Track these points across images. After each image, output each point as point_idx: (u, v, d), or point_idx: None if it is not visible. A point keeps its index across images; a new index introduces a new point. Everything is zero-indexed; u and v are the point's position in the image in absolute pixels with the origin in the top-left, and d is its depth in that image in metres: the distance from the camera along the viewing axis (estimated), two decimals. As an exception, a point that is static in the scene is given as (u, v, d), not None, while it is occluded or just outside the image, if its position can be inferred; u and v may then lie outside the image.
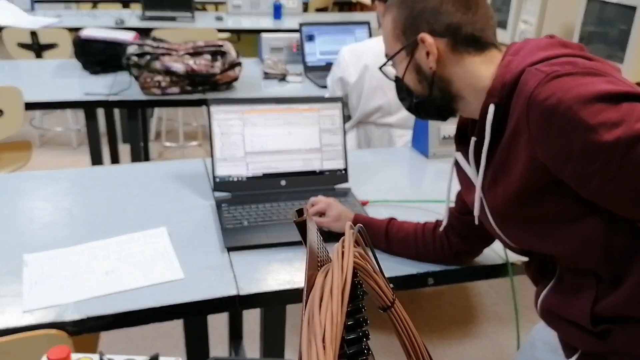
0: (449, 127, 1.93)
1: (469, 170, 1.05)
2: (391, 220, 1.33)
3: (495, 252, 1.34)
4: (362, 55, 2.13)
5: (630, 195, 0.79)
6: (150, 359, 0.80)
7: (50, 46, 3.63)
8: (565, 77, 0.81)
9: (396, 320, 0.47)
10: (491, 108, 0.92)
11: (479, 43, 0.99)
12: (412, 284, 1.30)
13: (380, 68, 1.12)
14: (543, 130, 0.83)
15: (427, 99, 1.04)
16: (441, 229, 1.26)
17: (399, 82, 1.10)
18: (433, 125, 1.92)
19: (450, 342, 2.40)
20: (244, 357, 0.95)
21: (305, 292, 0.31)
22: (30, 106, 2.34)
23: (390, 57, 1.08)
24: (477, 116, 0.96)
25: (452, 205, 1.25)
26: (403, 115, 2.17)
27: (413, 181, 1.79)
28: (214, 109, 1.55)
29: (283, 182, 1.59)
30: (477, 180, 1.01)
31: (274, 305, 1.34)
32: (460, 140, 1.09)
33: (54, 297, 1.16)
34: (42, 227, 1.40)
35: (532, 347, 1.21)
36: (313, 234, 0.37)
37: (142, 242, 1.35)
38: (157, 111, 4.34)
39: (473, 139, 0.99)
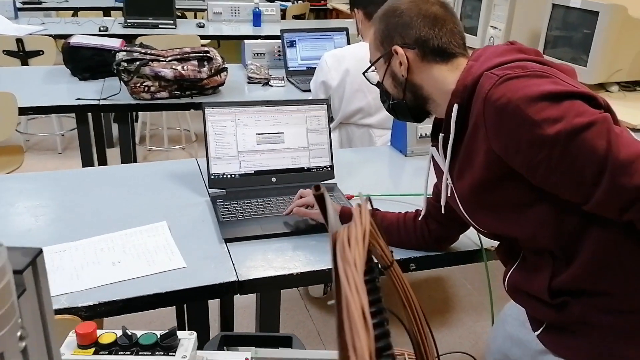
0: (426, 126, 2.06)
1: (441, 162, 1.18)
2: (374, 211, 1.46)
3: (471, 239, 1.48)
4: (343, 60, 2.26)
5: (570, 183, 0.93)
6: (169, 331, 0.90)
7: (36, 53, 3.68)
8: (514, 79, 0.95)
9: (395, 278, 0.59)
10: (455, 107, 1.05)
11: (445, 53, 1.13)
12: (395, 268, 1.43)
13: (363, 73, 1.26)
14: (496, 126, 0.96)
15: (401, 101, 1.19)
16: (420, 217, 1.38)
17: (379, 86, 1.24)
18: (410, 125, 2.05)
19: (430, 331, 2.54)
20: (252, 333, 1.06)
21: (330, 244, 0.42)
22: (23, 111, 2.41)
23: (371, 64, 1.23)
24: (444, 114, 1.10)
25: (430, 196, 1.38)
26: (382, 116, 2.30)
27: (393, 177, 1.93)
28: (208, 111, 1.66)
29: (273, 179, 1.71)
30: (445, 170, 1.15)
31: (270, 289, 1.45)
32: (435, 137, 1.23)
33: (66, 286, 1.25)
34: (48, 223, 1.49)
35: (504, 322, 1.34)
36: (330, 203, 0.49)
37: (144, 235, 1.45)
38: (142, 116, 4.41)
39: (441, 135, 1.13)
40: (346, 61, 2.26)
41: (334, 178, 1.76)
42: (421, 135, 2.07)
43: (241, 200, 1.62)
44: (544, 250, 1.07)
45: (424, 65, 1.14)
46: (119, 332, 0.91)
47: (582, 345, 1.07)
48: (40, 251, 0.45)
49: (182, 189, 1.72)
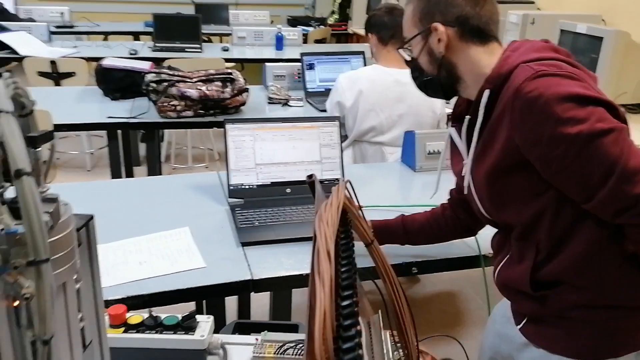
0: (434, 144, 2.18)
1: (460, 144, 1.24)
2: (403, 217, 1.53)
3: (469, 245, 1.58)
4: (357, 82, 2.40)
5: (578, 181, 1.00)
6: (189, 313, 1.03)
7: (69, 74, 3.91)
8: (549, 76, 1.01)
9: (376, 254, 0.71)
10: (486, 92, 1.10)
11: (482, 35, 1.17)
12: (398, 273, 1.53)
13: (398, 49, 1.30)
14: (522, 117, 1.02)
15: (435, 78, 1.22)
16: (445, 208, 1.46)
17: (413, 62, 1.27)
18: (419, 142, 2.17)
19: (440, 344, 2.61)
20: (262, 320, 1.17)
21: (316, 219, 0.54)
22: (57, 128, 2.60)
23: (408, 40, 1.25)
24: (474, 98, 1.15)
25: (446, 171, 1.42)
26: (394, 134, 2.42)
27: (402, 190, 2.04)
28: (229, 126, 1.80)
29: (288, 190, 1.84)
30: (470, 153, 1.18)
31: (282, 288, 1.57)
32: (455, 119, 1.28)
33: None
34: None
35: (493, 321, 1.42)
36: (319, 188, 0.61)
37: (168, 239, 1.58)
38: (167, 136, 4.60)
39: (467, 118, 1.18)
40: (360, 82, 2.39)
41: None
42: (430, 152, 2.18)
43: (258, 209, 1.74)
44: (532, 241, 1.14)
45: (461, 44, 1.16)
46: (146, 315, 1.04)
47: (560, 336, 1.15)
48: (92, 217, 0.58)
49: (203, 199, 1.85)
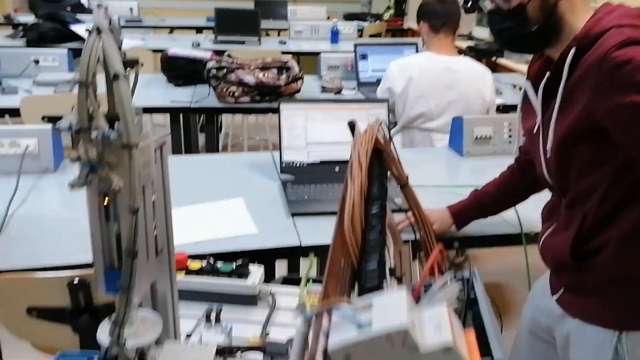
0: (482, 129, 2.21)
1: (535, 101, 1.21)
2: (475, 193, 1.55)
3: (510, 223, 1.61)
4: (408, 69, 2.45)
5: None
6: (242, 262, 1.13)
7: (132, 64, 4.15)
8: None
9: (409, 195, 0.78)
10: (573, 50, 1.09)
11: None
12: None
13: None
14: (607, 81, 1.02)
15: (532, 28, 1.14)
16: (512, 164, 1.47)
17: (501, 12, 1.18)
18: (467, 128, 2.21)
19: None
20: (310, 276, 1.26)
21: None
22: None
23: None
24: (557, 55, 1.11)
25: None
26: (442, 121, 2.46)
27: (450, 173, 2.09)
28: (283, 106, 1.91)
29: (337, 169, 1.92)
30: (554, 112, 1.14)
31: (326, 253, 1.66)
32: (531, 76, 1.24)
33: (160, 241, 1.52)
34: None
35: (533, 296, 1.44)
36: (358, 131, 0.69)
37: (225, 207, 1.71)
38: (225, 127, 4.79)
39: (548, 74, 1.16)
40: (411, 69, 2.45)
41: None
42: (477, 137, 2.21)
43: (307, 184, 1.84)
44: (580, 211, 1.15)
45: None
46: (204, 263, 1.15)
47: (596, 307, 1.18)
48: (165, 142, 0.68)
49: (257, 175, 1.97)
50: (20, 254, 1.41)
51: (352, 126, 0.69)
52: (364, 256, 0.53)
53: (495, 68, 4.40)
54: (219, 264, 1.13)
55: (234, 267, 1.12)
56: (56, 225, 1.57)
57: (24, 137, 1.84)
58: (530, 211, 1.61)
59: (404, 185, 0.77)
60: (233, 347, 0.72)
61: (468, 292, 0.56)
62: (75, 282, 1.30)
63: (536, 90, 1.21)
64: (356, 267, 0.49)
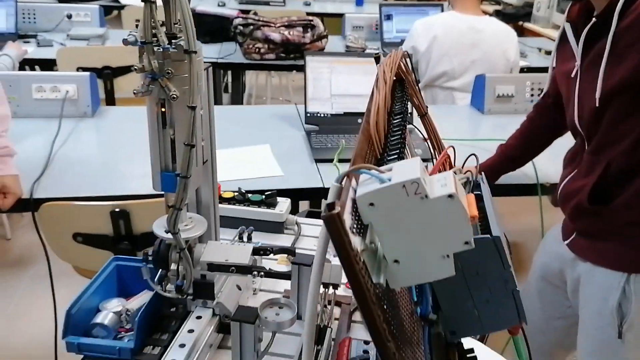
0: (504, 87, 2.25)
1: (574, 45, 1.22)
2: (501, 148, 1.59)
3: (527, 174, 1.68)
4: (431, 28, 2.48)
5: None
6: (271, 193, 1.22)
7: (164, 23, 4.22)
8: None
9: (428, 124, 0.86)
10: None
11: None
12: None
13: None
14: None
15: None
16: (545, 96, 1.48)
17: None
18: (489, 86, 2.25)
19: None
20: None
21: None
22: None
23: None
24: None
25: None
26: (465, 80, 2.50)
27: (470, 129, 2.14)
28: (309, 58, 1.97)
29: (359, 120, 1.99)
30: (604, 60, 1.12)
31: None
32: (571, 18, 1.25)
33: (192, 180, 1.62)
34: (179, 140, 1.88)
35: (545, 243, 1.51)
36: (382, 61, 0.76)
37: (252, 152, 1.80)
38: (248, 88, 4.86)
39: (594, 19, 1.14)
40: (435, 28, 2.48)
41: (412, 123, 2.01)
42: (499, 95, 2.25)
43: (331, 134, 1.92)
44: (604, 158, 1.18)
45: None
46: (236, 193, 1.25)
47: (608, 251, 1.24)
48: (210, 65, 0.77)
49: (282, 125, 2.05)
50: (65, 186, 1.52)
51: (377, 58, 0.77)
52: (385, 157, 0.61)
53: (522, 32, 4.37)
54: (249, 195, 1.23)
55: (264, 197, 1.21)
56: (95, 164, 1.68)
57: (65, 82, 1.95)
58: (546, 163, 1.67)
59: (423, 115, 0.84)
60: (267, 247, 0.81)
61: (472, 190, 0.64)
62: (117, 210, 1.42)
63: (575, 35, 1.21)
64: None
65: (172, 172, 0.69)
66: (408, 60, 0.79)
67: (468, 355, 0.60)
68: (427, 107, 0.87)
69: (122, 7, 4.19)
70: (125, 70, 2.79)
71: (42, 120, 1.91)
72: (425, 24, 2.52)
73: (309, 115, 1.99)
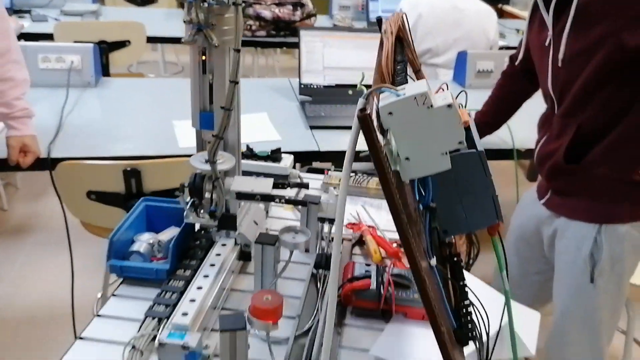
0: (484, 62, 2.40)
1: (546, 16, 1.31)
2: (477, 114, 1.71)
3: (503, 139, 1.83)
4: (417, 6, 2.61)
5: None
6: (276, 149, 1.35)
7: (151, 1, 4.28)
8: None
9: (422, 78, 0.99)
10: None
11: None
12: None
13: None
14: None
15: None
16: (517, 64, 1.55)
17: None
18: (471, 62, 2.39)
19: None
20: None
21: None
22: (150, 40, 2.96)
23: None
24: None
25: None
26: (448, 57, 2.64)
27: (451, 102, 2.29)
28: (303, 33, 2.09)
29: (350, 92, 2.12)
30: (567, 26, 1.22)
31: (342, 158, 1.89)
32: None
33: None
34: (185, 105, 1.99)
35: (521, 206, 1.63)
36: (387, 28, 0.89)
37: (251, 119, 1.92)
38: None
39: None
40: (420, 7, 2.60)
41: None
42: (479, 70, 2.40)
43: (324, 104, 2.05)
44: (575, 120, 1.30)
45: None
46: (244, 148, 1.37)
47: (581, 205, 1.36)
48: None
49: (277, 96, 2.17)
50: (78, 147, 1.63)
51: (379, 21, 0.90)
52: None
53: (501, 14, 4.53)
54: (257, 150, 1.35)
55: (269, 153, 1.34)
56: (104, 128, 1.78)
57: (69, 53, 2.04)
58: (521, 130, 1.82)
59: (417, 70, 0.98)
60: (285, 181, 0.94)
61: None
62: (129, 169, 1.53)
63: (546, 6, 1.32)
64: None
65: (210, 112, 0.81)
66: (405, 21, 0.92)
67: (455, 259, 0.74)
68: (420, 63, 1.00)
69: (111, -15, 4.24)
70: (120, 45, 2.87)
71: (47, 90, 1.99)
72: (411, 3, 2.65)
73: (302, 86, 2.11)
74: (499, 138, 1.82)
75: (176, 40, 3.09)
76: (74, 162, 1.51)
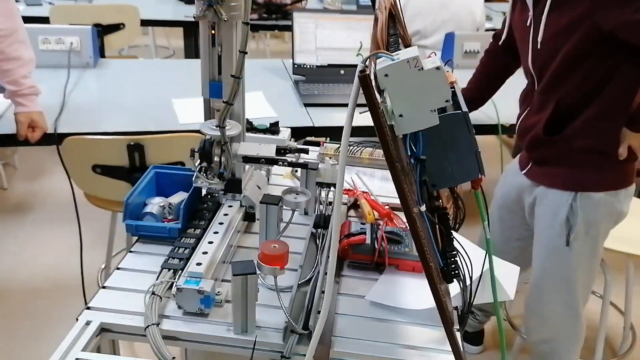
0: (472, 43, 2.48)
1: None
2: (463, 90, 1.74)
3: (488, 115, 1.92)
4: (406, -12, 2.69)
5: None
6: (274, 123, 1.43)
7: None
8: None
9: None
10: None
11: None
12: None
13: None
14: None
15: None
16: (501, 42, 1.64)
17: None
18: (458, 42, 2.48)
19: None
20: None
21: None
22: (144, 23, 3.00)
23: None
24: None
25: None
26: (436, 38, 2.72)
27: (439, 81, 2.37)
28: (296, 14, 2.16)
29: (342, 72, 2.20)
30: (546, 7, 1.31)
31: (338, 133, 1.97)
32: None
33: (195, 117, 1.81)
34: (183, 84, 2.06)
35: (504, 176, 1.74)
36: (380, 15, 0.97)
37: (247, 98, 1.99)
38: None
39: None
40: (409, -12, 2.68)
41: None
42: (466, 50, 2.49)
43: (317, 83, 2.13)
44: (554, 96, 1.39)
45: None
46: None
47: (560, 174, 1.46)
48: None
49: (271, 76, 2.25)
50: (82, 123, 1.70)
51: (373, 1, 0.98)
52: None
53: (487, -2, 4.61)
54: (255, 123, 1.43)
55: (268, 126, 1.42)
56: (106, 106, 1.85)
57: (68, 35, 2.09)
58: (506, 106, 1.91)
59: (407, 45, 1.06)
60: (287, 148, 1.03)
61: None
62: (133, 144, 1.60)
63: None
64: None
65: (219, 82, 0.88)
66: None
67: (443, 213, 0.83)
68: (411, 38, 1.08)
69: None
70: (114, 28, 2.92)
71: (48, 70, 2.05)
72: (400, -14, 2.72)
73: (296, 66, 2.18)
74: (485, 114, 1.91)
75: (169, 24, 3.15)
76: (79, 137, 1.58)
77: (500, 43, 1.66)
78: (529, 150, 1.55)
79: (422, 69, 0.63)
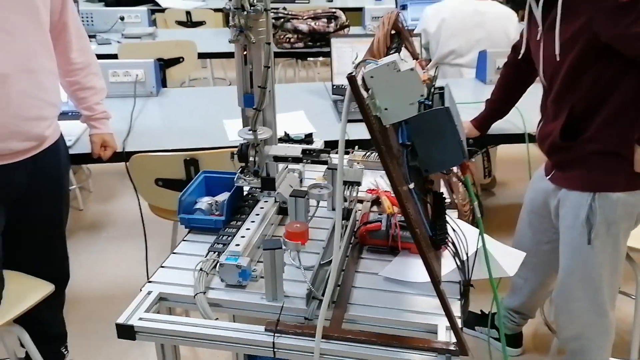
0: (503, 60, 2.59)
1: (536, 12, 1.52)
2: (488, 103, 1.95)
3: (515, 124, 2.03)
4: (440, 12, 2.85)
5: None
6: (309, 134, 1.61)
7: (200, 23, 4.67)
8: None
9: (422, 67, 1.23)
10: None
11: None
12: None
13: None
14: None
15: None
16: (520, 56, 1.75)
17: None
18: (490, 59, 2.60)
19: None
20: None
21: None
22: (201, 55, 3.31)
23: None
24: None
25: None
26: (471, 57, 2.85)
27: (474, 97, 2.50)
28: (334, 40, 2.37)
29: (378, 90, 2.37)
30: (557, 21, 1.40)
31: (365, 144, 2.14)
32: None
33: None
34: (232, 107, 2.29)
35: (532, 182, 1.84)
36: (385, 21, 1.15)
37: (291, 116, 2.20)
38: (277, 81, 5.28)
39: None
40: (443, 12, 2.84)
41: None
42: (499, 67, 2.60)
43: (353, 102, 2.30)
44: (566, 104, 1.50)
45: None
46: (282, 134, 1.64)
47: (578, 176, 1.55)
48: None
49: (312, 97, 2.45)
50: (146, 143, 1.95)
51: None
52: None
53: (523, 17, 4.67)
54: (292, 135, 1.62)
55: (304, 137, 1.60)
56: (167, 128, 2.11)
57: (134, 68, 2.38)
58: (532, 115, 2.01)
59: (415, 58, 1.22)
60: (312, 149, 1.20)
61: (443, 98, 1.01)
62: (189, 159, 1.83)
63: (537, 2, 1.53)
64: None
65: (251, 94, 1.08)
66: (402, 19, 1.17)
67: (436, 194, 0.98)
68: (419, 53, 1.24)
69: (164, 9, 4.66)
70: (174, 61, 3.23)
71: (117, 99, 2.34)
72: (434, 9, 2.89)
73: (335, 87, 2.38)
74: (512, 123, 2.02)
75: (224, 55, 3.44)
76: (144, 154, 1.82)
77: (518, 56, 1.79)
78: (549, 156, 1.65)
79: (399, 70, 0.79)
